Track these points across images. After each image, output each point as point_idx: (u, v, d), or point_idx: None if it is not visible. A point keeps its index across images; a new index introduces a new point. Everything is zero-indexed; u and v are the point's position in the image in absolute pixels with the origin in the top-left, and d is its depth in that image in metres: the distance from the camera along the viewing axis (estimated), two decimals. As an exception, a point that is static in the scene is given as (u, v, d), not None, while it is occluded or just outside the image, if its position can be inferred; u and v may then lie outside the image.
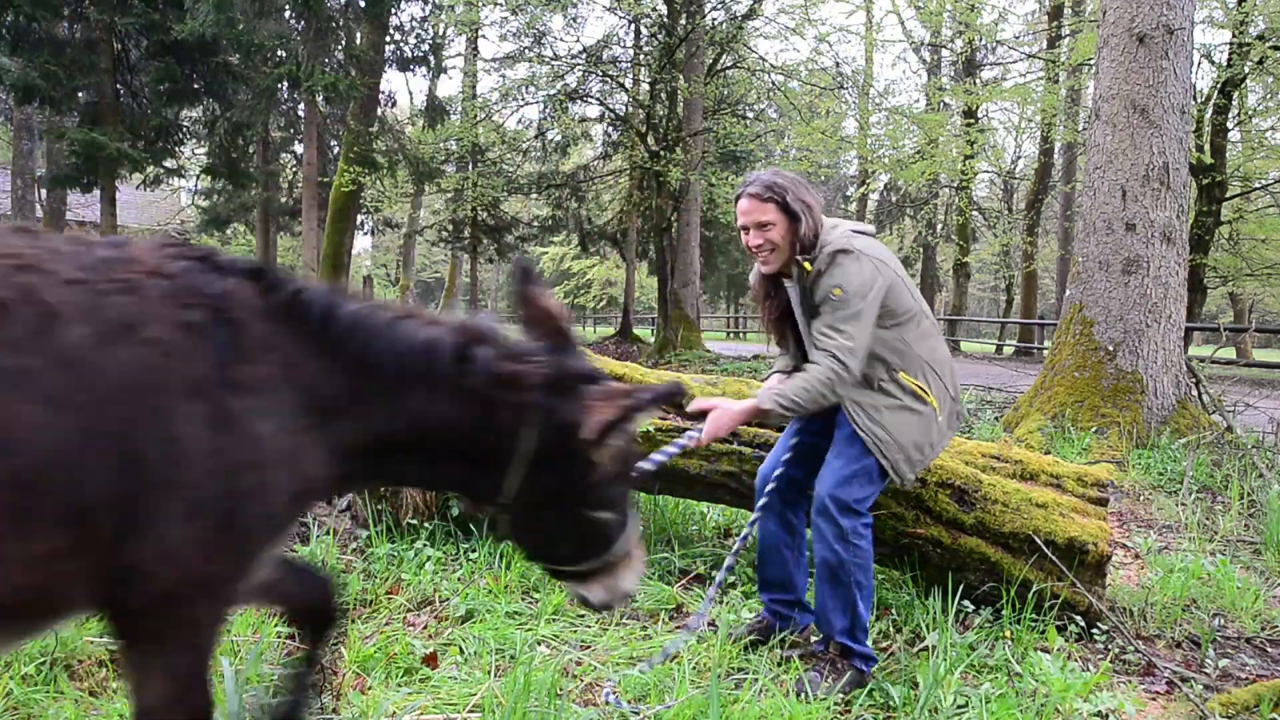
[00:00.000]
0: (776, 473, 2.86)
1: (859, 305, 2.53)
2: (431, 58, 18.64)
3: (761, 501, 2.84)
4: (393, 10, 17.37)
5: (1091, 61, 11.18)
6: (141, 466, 1.26)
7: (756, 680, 2.51)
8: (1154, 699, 2.70)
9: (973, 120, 22.13)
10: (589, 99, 19.99)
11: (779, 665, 2.73)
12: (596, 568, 1.82)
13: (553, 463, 1.65)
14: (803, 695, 2.44)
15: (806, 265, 2.61)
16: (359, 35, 17.31)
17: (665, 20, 18.01)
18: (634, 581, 1.89)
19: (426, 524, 3.73)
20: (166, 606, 1.35)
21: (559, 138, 20.78)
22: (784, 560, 2.87)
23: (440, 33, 19.59)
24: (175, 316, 1.32)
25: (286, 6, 14.80)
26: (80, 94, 14.30)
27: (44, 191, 22.59)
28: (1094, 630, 3.12)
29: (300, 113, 19.60)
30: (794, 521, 2.89)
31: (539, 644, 2.83)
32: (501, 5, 17.44)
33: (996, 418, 7.59)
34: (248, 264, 1.48)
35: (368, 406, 1.52)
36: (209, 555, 1.33)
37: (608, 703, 2.42)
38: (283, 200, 23.85)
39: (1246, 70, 15.39)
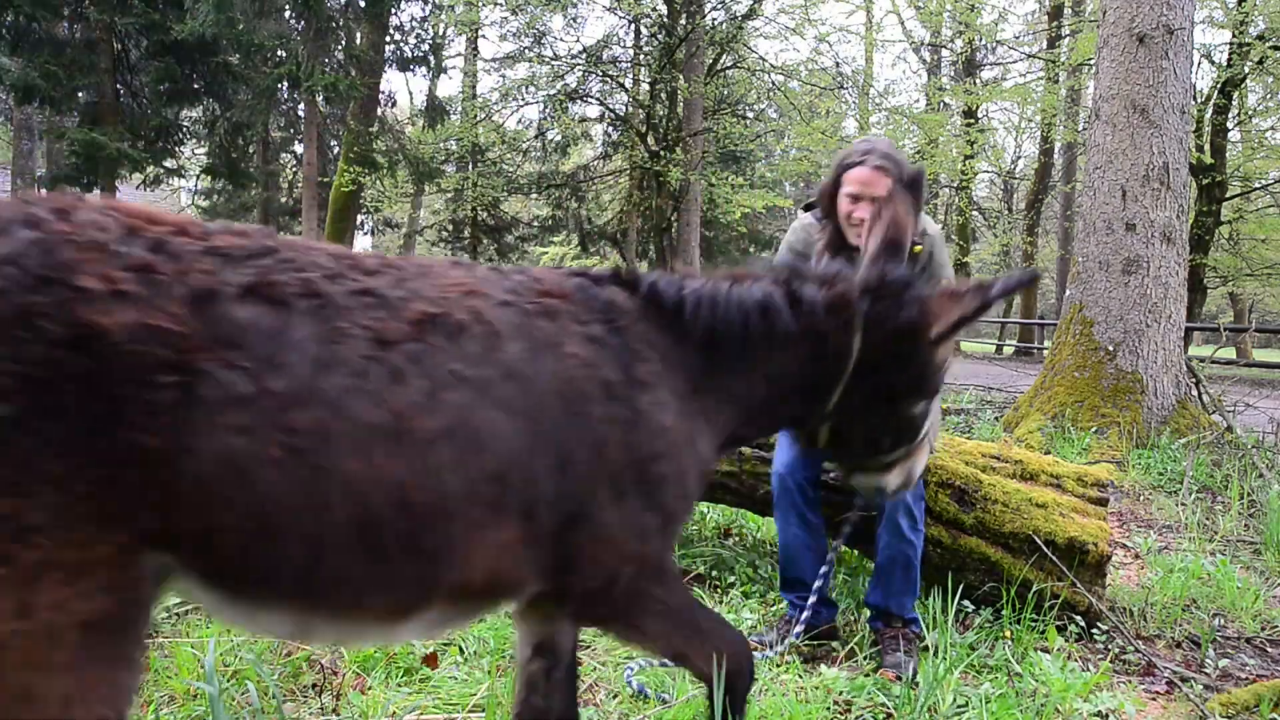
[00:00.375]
0: (794, 475, 2.90)
1: None
2: (431, 58, 18.64)
3: (789, 501, 2.94)
4: (393, 10, 17.37)
5: (1091, 61, 11.19)
6: (573, 465, 1.44)
7: (756, 680, 2.51)
8: (1154, 699, 2.70)
9: (973, 120, 22.14)
10: (589, 99, 19.99)
11: (778, 666, 2.73)
12: (900, 456, 1.97)
13: (882, 366, 1.80)
14: (902, 680, 2.57)
15: (917, 248, 2.68)
16: (359, 35, 17.30)
17: (665, 20, 18.01)
18: (923, 462, 2.08)
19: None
20: (616, 590, 1.54)
21: (559, 138, 20.77)
22: (808, 561, 2.91)
23: (440, 33, 19.59)
24: (582, 331, 1.52)
25: (286, 6, 14.80)
26: (80, 94, 14.30)
27: (44, 191, 22.61)
28: (1094, 630, 3.12)
29: (300, 113, 19.60)
30: (815, 521, 2.94)
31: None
32: (501, 5, 17.45)
33: (996, 418, 7.59)
34: (612, 271, 1.70)
35: (728, 377, 1.73)
36: (640, 537, 1.53)
37: (628, 684, 2.50)
38: (283, 200, 23.85)
39: (1246, 70, 15.40)
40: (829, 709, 2.44)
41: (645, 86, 19.68)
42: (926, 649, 2.72)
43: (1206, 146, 15.63)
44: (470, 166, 21.01)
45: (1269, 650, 3.12)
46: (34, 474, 1.08)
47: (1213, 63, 16.43)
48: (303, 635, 1.55)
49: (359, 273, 1.37)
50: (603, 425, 1.47)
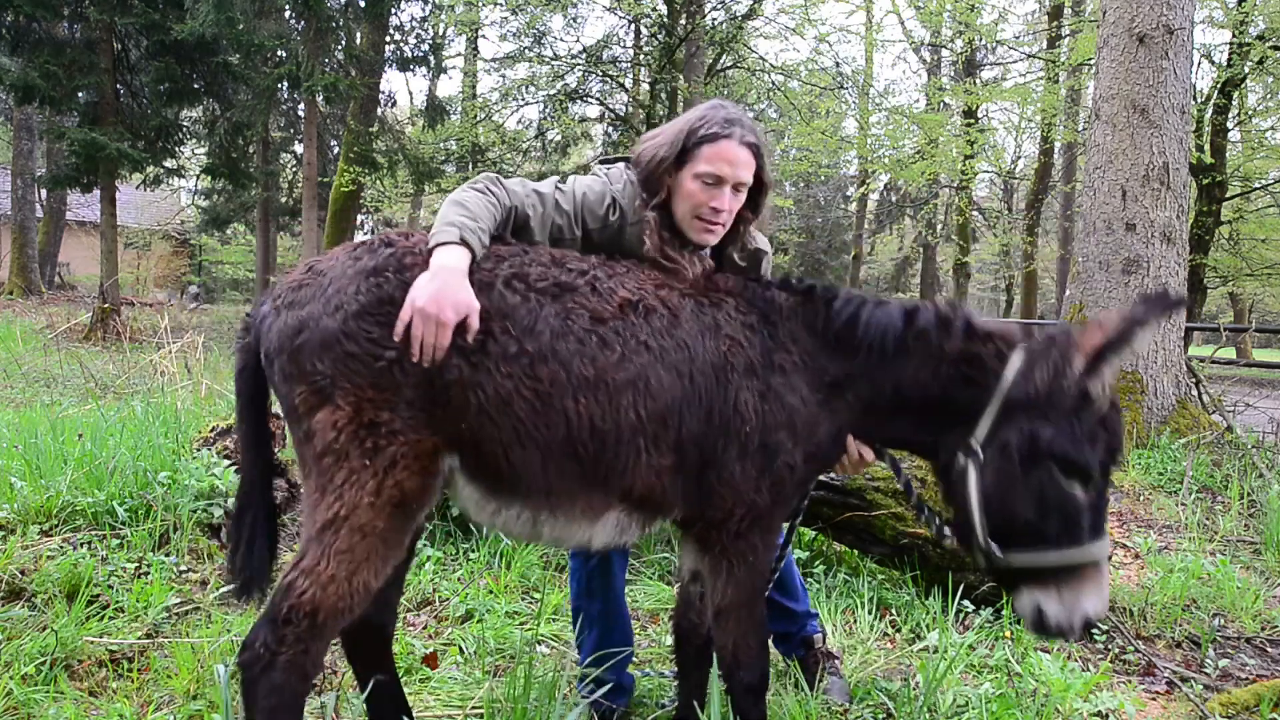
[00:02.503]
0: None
1: None
2: (431, 58, 18.62)
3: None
4: (393, 10, 17.36)
5: (1091, 61, 11.18)
6: (715, 419, 1.90)
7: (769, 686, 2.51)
8: (1154, 699, 2.70)
9: (973, 120, 22.12)
10: (589, 99, 19.98)
11: (775, 666, 2.73)
12: (1056, 565, 1.78)
13: (1030, 404, 1.79)
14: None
15: (758, 255, 2.25)
16: (359, 35, 17.29)
17: (665, 20, 18.00)
18: (1098, 604, 1.77)
19: (427, 524, 3.73)
20: (731, 523, 1.93)
21: (559, 138, 20.75)
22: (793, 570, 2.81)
23: (440, 33, 19.58)
24: (740, 319, 1.97)
25: (286, 6, 14.78)
26: (80, 94, 14.28)
27: (44, 191, 22.60)
28: (1094, 630, 3.12)
29: (300, 113, 19.59)
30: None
31: (539, 644, 2.83)
32: (501, 5, 17.44)
33: (996, 418, 7.59)
34: (782, 280, 2.08)
35: (863, 380, 1.96)
36: (755, 488, 1.91)
37: (646, 676, 2.60)
38: (283, 200, 23.83)
39: (1246, 70, 15.39)
40: (829, 707, 2.44)
41: (645, 86, 19.67)
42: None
43: (1206, 146, 15.61)
44: (470, 166, 20.98)
45: (1269, 650, 3.12)
46: (399, 396, 1.74)
47: (1213, 63, 16.42)
48: (532, 532, 1.97)
49: (581, 267, 1.94)
50: (741, 392, 1.90)
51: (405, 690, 2.41)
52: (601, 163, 2.24)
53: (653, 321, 1.90)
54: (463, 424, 1.78)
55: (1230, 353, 14.43)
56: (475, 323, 1.75)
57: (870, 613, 3.17)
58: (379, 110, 19.34)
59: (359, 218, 23.12)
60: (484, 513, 1.92)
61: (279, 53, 15.17)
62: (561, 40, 20.88)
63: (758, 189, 2.13)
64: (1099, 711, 2.48)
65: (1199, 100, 15.34)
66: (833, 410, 1.97)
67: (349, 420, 1.71)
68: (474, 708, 2.33)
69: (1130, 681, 2.81)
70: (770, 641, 2.52)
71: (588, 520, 1.93)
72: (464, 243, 1.80)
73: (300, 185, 18.20)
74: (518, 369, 1.78)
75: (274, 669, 1.68)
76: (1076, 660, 2.87)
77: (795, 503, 2.23)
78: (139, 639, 2.57)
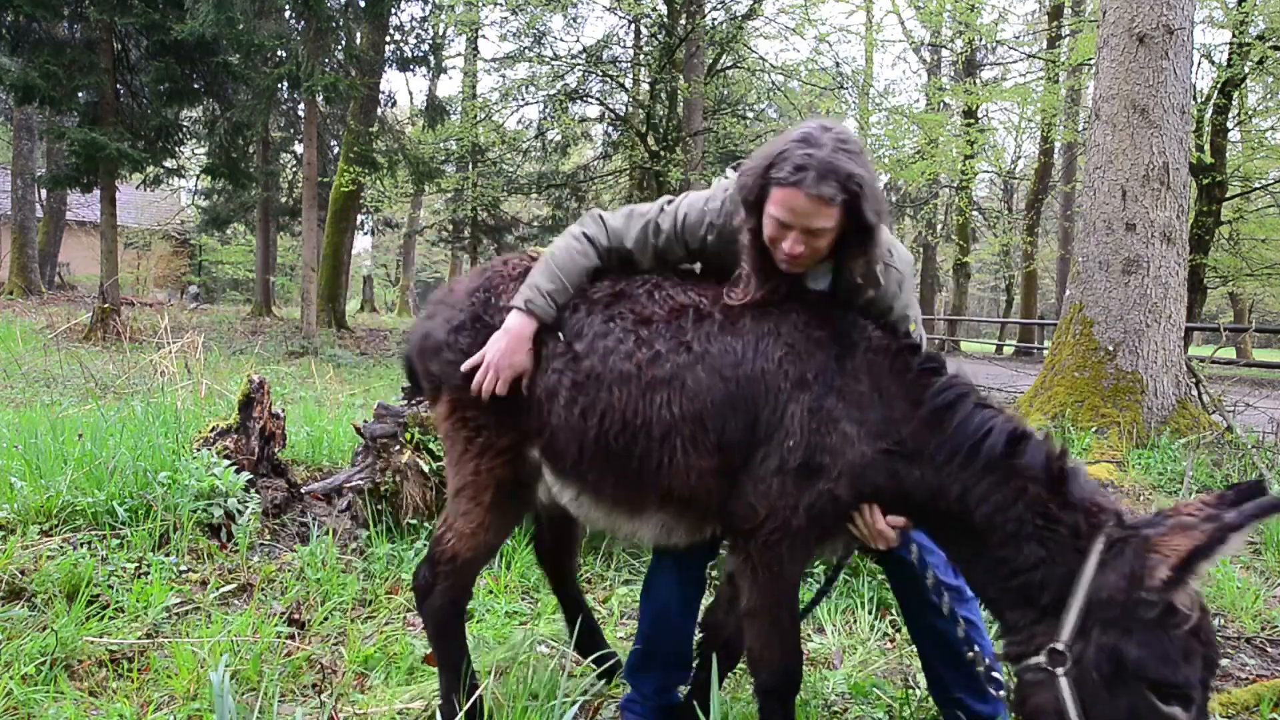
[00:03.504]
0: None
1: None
2: (431, 58, 18.63)
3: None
4: (393, 10, 17.37)
5: (1091, 61, 11.18)
6: (758, 425, 1.90)
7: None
8: (1154, 699, 2.70)
9: (973, 120, 22.13)
10: (589, 99, 19.99)
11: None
12: None
13: (1115, 611, 1.53)
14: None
15: (880, 283, 2.08)
16: (359, 35, 17.29)
17: (665, 20, 18.00)
18: None
19: (426, 524, 3.73)
20: (761, 533, 1.90)
21: (559, 138, 20.77)
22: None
23: (440, 33, 19.59)
24: (808, 333, 1.93)
25: (286, 6, 14.77)
26: (80, 94, 14.26)
27: (44, 191, 22.60)
28: None
29: (300, 113, 19.59)
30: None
31: (539, 644, 2.83)
32: (501, 5, 17.44)
33: (996, 418, 7.58)
34: (888, 324, 2.00)
35: (931, 461, 1.80)
36: (788, 502, 1.86)
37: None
38: (283, 200, 23.83)
39: (1246, 70, 15.39)
40: (830, 710, 2.44)
41: (645, 86, 19.68)
42: None
43: (1206, 146, 15.62)
44: (470, 166, 21.00)
45: (1269, 650, 3.12)
46: (480, 397, 2.07)
47: (1213, 63, 16.42)
48: (588, 517, 2.17)
49: (647, 278, 2.12)
50: (790, 404, 1.87)
51: (405, 689, 2.41)
52: (734, 167, 2.23)
53: (703, 326, 1.97)
54: (525, 417, 2.09)
55: (1230, 353, 14.43)
56: (526, 379, 2.06)
57: (870, 613, 3.17)
58: (379, 110, 19.35)
59: (359, 218, 23.12)
60: (559, 494, 2.17)
61: (279, 53, 15.16)
62: (561, 40, 20.92)
63: (860, 230, 1.90)
64: (1099, 711, 2.48)
65: (1199, 100, 15.34)
66: (887, 466, 1.84)
67: (450, 413, 2.17)
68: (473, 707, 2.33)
69: (1130, 681, 2.81)
70: None
71: (628, 514, 2.07)
72: (530, 312, 2.05)
73: (300, 185, 18.20)
74: (563, 364, 2.04)
75: (433, 596, 2.19)
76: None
77: (841, 542, 2.04)
78: (139, 639, 2.57)
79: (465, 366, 2.07)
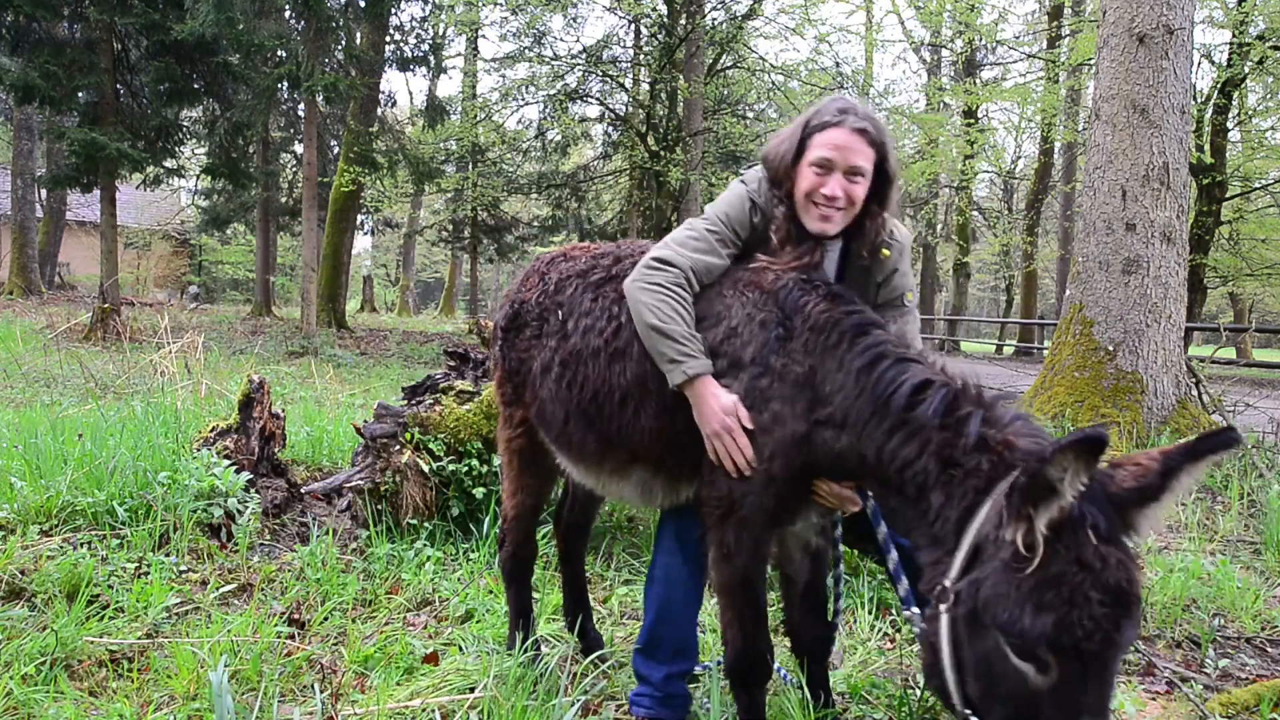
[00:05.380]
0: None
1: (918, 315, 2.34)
2: (431, 58, 18.62)
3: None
4: (393, 10, 17.36)
5: (1091, 61, 11.18)
6: None
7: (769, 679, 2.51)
8: (1154, 699, 2.70)
9: (973, 120, 22.14)
10: (589, 99, 19.97)
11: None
12: None
13: (988, 550, 1.47)
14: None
15: (885, 252, 2.18)
16: (359, 35, 17.29)
17: (665, 20, 17.99)
18: None
19: (426, 524, 3.73)
20: (709, 508, 2.01)
21: (559, 138, 20.75)
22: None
23: (440, 33, 19.58)
24: (753, 314, 2.00)
25: (286, 6, 14.77)
26: (80, 94, 14.26)
27: (44, 191, 22.61)
28: None
29: (300, 113, 19.59)
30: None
31: (539, 643, 2.83)
32: (501, 5, 17.43)
33: (996, 418, 7.58)
34: (829, 287, 2.01)
35: (854, 426, 1.81)
36: (727, 480, 1.96)
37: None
38: (283, 200, 23.82)
39: (1246, 70, 15.39)
40: (830, 711, 2.43)
41: (645, 86, 19.67)
42: None
43: (1206, 146, 15.61)
44: (470, 166, 21.00)
45: (1269, 650, 3.12)
46: (507, 372, 2.50)
47: (1213, 63, 16.42)
48: (579, 477, 2.42)
49: (627, 259, 2.26)
50: (725, 385, 1.98)
51: (403, 688, 2.41)
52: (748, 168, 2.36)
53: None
54: (527, 393, 2.41)
55: (1230, 353, 14.42)
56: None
57: (870, 613, 3.17)
58: (379, 110, 19.35)
59: (359, 218, 23.12)
60: (560, 463, 2.45)
61: (279, 53, 15.15)
62: (561, 40, 20.92)
63: (882, 180, 2.08)
64: (1099, 711, 2.48)
65: (1199, 100, 15.34)
66: (815, 438, 1.87)
67: (498, 387, 2.59)
68: (473, 705, 2.33)
69: (1130, 681, 2.81)
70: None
71: (610, 473, 2.27)
72: (692, 378, 1.98)
73: (300, 185, 18.20)
74: (556, 342, 2.30)
75: (504, 548, 2.68)
76: (1076, 660, 2.87)
77: (795, 512, 2.07)
78: (139, 639, 2.57)
79: (719, 461, 1.96)
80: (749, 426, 1.92)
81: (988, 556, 1.47)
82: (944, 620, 1.52)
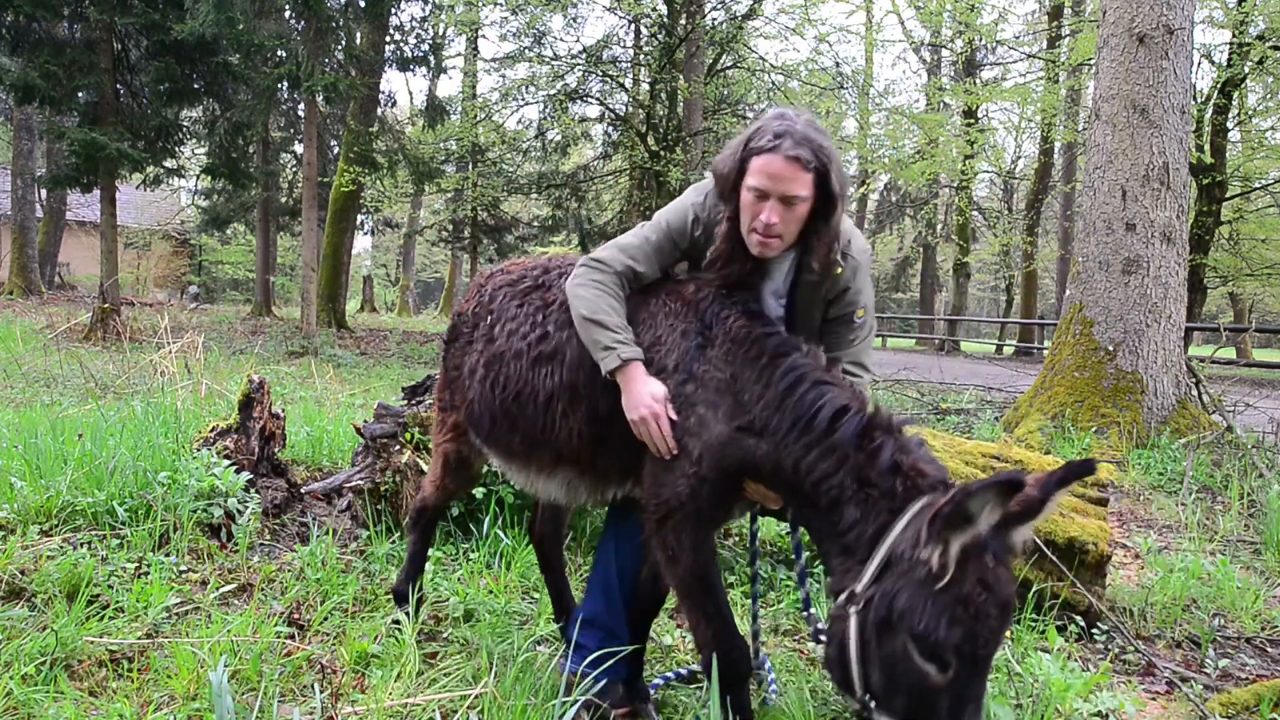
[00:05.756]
0: None
1: (873, 330, 2.34)
2: (431, 58, 18.60)
3: None
4: (393, 10, 17.36)
5: (1091, 61, 11.19)
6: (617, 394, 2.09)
7: (748, 675, 2.51)
8: (1154, 699, 2.70)
9: (973, 120, 22.14)
10: (589, 99, 19.97)
11: (783, 670, 2.73)
12: None
13: (902, 565, 1.63)
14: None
15: (837, 270, 2.14)
16: (359, 35, 17.28)
17: (665, 20, 17.99)
18: None
19: (426, 524, 3.72)
20: (649, 512, 2.08)
21: (559, 138, 20.74)
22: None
23: (440, 33, 19.58)
24: (674, 325, 2.12)
25: (286, 6, 14.76)
26: (80, 94, 14.24)
27: (44, 191, 22.61)
28: (1094, 630, 3.12)
29: (300, 113, 19.59)
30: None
31: (539, 644, 2.83)
32: (501, 5, 17.43)
33: (996, 418, 7.60)
34: (746, 304, 2.10)
35: (774, 436, 1.91)
36: (660, 484, 2.05)
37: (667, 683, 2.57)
38: (283, 200, 23.82)
39: (1246, 70, 15.39)
40: (829, 711, 2.43)
41: (645, 86, 19.67)
42: None
43: (1206, 146, 15.62)
44: (470, 166, 20.99)
45: (1269, 650, 3.12)
46: (447, 379, 2.64)
47: (1213, 63, 16.42)
48: (510, 476, 2.52)
49: (555, 270, 2.40)
50: None
51: (402, 685, 2.41)
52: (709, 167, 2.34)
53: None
54: (458, 395, 2.54)
55: (1230, 353, 14.43)
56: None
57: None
58: (379, 110, 19.34)
59: (359, 218, 23.12)
60: (492, 462, 2.57)
61: (279, 53, 15.14)
62: (561, 40, 20.93)
63: (826, 199, 2.03)
64: (1099, 711, 2.48)
65: (1199, 100, 15.34)
66: (740, 443, 1.96)
67: (437, 394, 2.73)
68: (473, 704, 2.33)
69: (1130, 681, 2.81)
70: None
71: (538, 472, 2.36)
72: (625, 363, 2.06)
73: (300, 185, 18.20)
74: (482, 345, 2.43)
75: (413, 508, 2.93)
76: (1076, 660, 2.87)
77: (730, 509, 2.18)
78: (139, 639, 2.57)
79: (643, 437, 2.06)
80: (674, 418, 2.02)
81: (900, 571, 1.64)
82: (853, 621, 1.70)
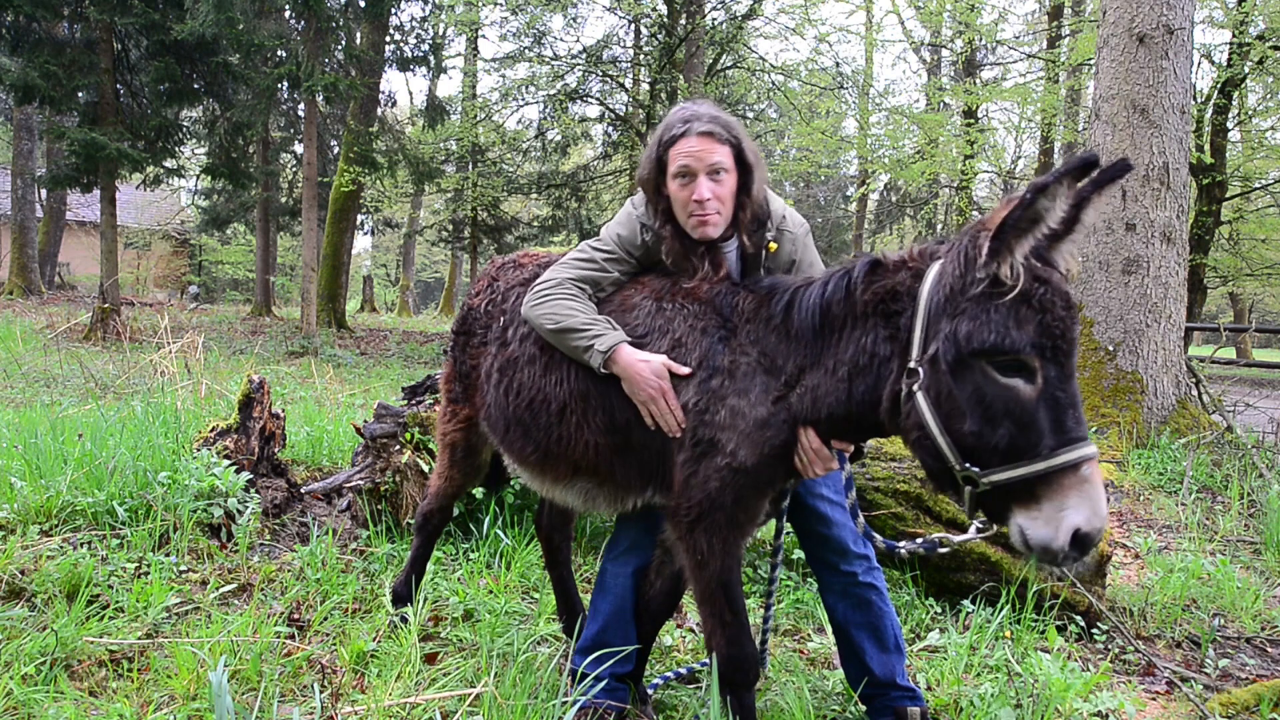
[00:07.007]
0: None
1: None
2: (431, 58, 18.59)
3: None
4: (393, 10, 17.34)
5: (1091, 61, 11.18)
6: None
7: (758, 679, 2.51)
8: (1154, 699, 2.70)
9: (973, 120, 22.12)
10: (589, 99, 19.96)
11: (785, 669, 2.73)
12: (1026, 476, 1.51)
13: (950, 304, 1.62)
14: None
15: (772, 246, 2.22)
16: (359, 35, 17.27)
17: (665, 20, 17.99)
18: (1087, 515, 1.47)
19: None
20: (679, 517, 2.02)
21: (559, 138, 20.74)
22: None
23: (440, 33, 19.56)
24: (695, 324, 2.08)
25: (286, 6, 14.75)
26: (80, 94, 14.24)
27: (44, 191, 22.59)
28: (1094, 630, 3.12)
29: (300, 113, 19.58)
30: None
31: (539, 644, 2.83)
32: (501, 5, 17.42)
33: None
34: (758, 284, 2.09)
35: (810, 367, 1.91)
36: (696, 484, 1.98)
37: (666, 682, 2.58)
38: (283, 200, 23.80)
39: (1246, 70, 15.38)
40: (829, 711, 2.43)
41: (645, 86, 19.66)
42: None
43: (1206, 146, 15.61)
44: (470, 166, 20.99)
45: (1269, 650, 3.12)
46: (457, 372, 2.62)
47: (1213, 63, 16.41)
48: (530, 483, 2.44)
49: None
50: (681, 394, 2.01)
51: (403, 688, 2.41)
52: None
53: (604, 314, 2.16)
54: (475, 396, 2.52)
55: (1230, 353, 14.42)
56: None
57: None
58: (379, 110, 19.33)
59: (359, 218, 23.11)
60: (519, 474, 2.50)
61: (279, 53, 15.14)
62: (561, 40, 20.93)
63: (743, 171, 2.14)
64: (1099, 711, 2.48)
65: (1199, 100, 15.34)
66: (788, 405, 1.94)
67: (445, 383, 2.71)
68: (472, 704, 2.33)
69: (1130, 681, 2.81)
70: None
71: (554, 481, 2.31)
72: (615, 347, 2.06)
73: (300, 185, 18.20)
74: (497, 348, 2.40)
75: (420, 511, 2.88)
76: (1077, 660, 2.87)
77: (763, 508, 2.09)
78: (139, 639, 2.57)
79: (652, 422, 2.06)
80: (684, 373, 2.01)
81: (950, 312, 1.63)
82: (920, 397, 1.65)
